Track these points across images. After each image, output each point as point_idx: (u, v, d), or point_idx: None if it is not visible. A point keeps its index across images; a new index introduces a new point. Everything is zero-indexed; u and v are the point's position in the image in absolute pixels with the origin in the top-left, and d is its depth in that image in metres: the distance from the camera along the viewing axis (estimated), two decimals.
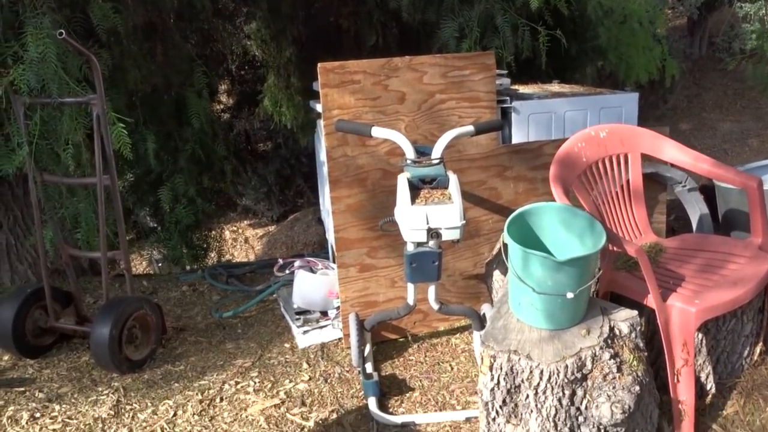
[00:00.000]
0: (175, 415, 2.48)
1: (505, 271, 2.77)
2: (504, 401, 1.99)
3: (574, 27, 4.37)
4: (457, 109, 2.83)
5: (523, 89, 3.43)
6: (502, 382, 1.97)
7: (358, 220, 2.81)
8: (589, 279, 1.97)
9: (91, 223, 3.10)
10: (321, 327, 3.03)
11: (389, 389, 2.60)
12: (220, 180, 4.86)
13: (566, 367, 1.90)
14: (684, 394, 2.10)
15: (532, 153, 2.99)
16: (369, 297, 2.90)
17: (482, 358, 1.99)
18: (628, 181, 2.52)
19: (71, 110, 2.93)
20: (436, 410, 2.46)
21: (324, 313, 3.09)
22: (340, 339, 2.98)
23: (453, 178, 2.28)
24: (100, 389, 2.66)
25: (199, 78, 3.73)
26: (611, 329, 2.03)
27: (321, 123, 3.24)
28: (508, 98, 2.99)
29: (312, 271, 3.20)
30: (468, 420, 2.38)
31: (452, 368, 2.75)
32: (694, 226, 3.21)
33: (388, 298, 2.93)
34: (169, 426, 2.41)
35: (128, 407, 2.53)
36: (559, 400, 1.93)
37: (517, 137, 3.03)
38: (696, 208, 3.18)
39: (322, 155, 3.35)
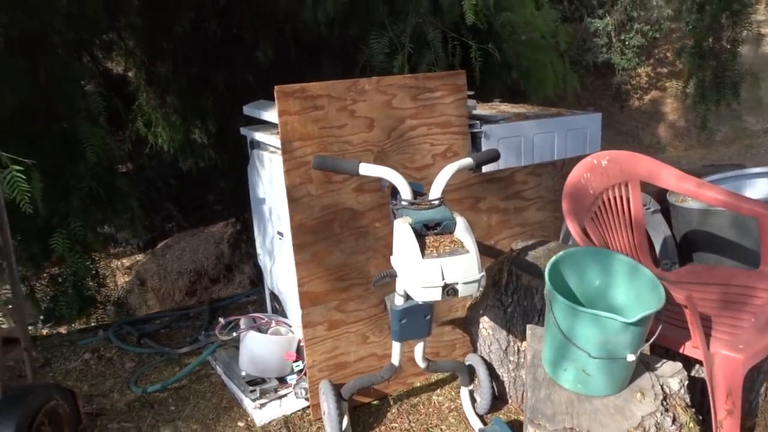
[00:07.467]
0: None
1: (495, 318, 2.47)
2: None
3: (479, 41, 4.20)
4: (428, 136, 2.50)
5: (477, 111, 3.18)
6: None
7: (325, 270, 2.38)
8: (646, 336, 1.71)
9: None
10: (280, 397, 2.55)
11: None
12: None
13: None
14: None
15: (504, 182, 2.73)
16: (339, 358, 2.47)
17: None
18: (629, 213, 2.32)
19: None
20: None
21: (282, 380, 2.61)
22: (304, 409, 2.52)
23: (461, 221, 1.93)
24: None
25: (94, 102, 3.08)
26: (662, 388, 1.79)
27: (262, 154, 2.78)
28: (477, 122, 2.71)
29: (260, 330, 2.70)
30: None
31: None
32: (658, 250, 3.11)
33: (360, 357, 2.52)
34: None
35: None
36: None
37: (487, 165, 2.75)
38: (659, 231, 3.08)
39: (261, 191, 2.88)
